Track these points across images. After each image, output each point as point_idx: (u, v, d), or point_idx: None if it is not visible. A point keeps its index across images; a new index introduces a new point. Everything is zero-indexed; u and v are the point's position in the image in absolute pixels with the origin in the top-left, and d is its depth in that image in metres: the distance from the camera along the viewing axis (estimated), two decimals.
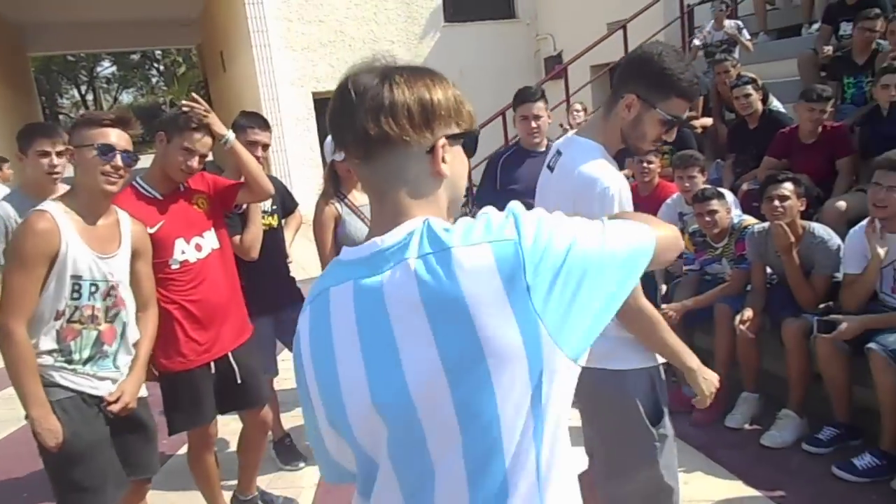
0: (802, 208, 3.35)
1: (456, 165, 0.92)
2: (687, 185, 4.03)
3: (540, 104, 3.41)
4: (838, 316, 3.05)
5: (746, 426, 3.47)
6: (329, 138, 3.17)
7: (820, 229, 3.34)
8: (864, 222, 3.14)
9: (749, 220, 3.69)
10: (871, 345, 2.90)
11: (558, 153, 1.80)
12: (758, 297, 3.47)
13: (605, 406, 1.81)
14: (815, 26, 6.55)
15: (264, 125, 3.12)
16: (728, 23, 6.80)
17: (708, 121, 5.80)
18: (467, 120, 0.92)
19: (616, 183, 1.64)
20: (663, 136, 1.71)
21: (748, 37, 6.69)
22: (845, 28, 5.41)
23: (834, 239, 3.30)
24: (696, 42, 7.09)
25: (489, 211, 0.88)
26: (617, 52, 8.04)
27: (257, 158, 2.92)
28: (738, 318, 3.40)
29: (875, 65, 4.63)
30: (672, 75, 1.63)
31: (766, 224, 3.46)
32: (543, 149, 3.45)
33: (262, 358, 2.99)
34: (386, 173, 0.88)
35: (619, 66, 1.79)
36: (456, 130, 0.91)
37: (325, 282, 0.92)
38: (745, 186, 4.45)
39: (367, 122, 0.84)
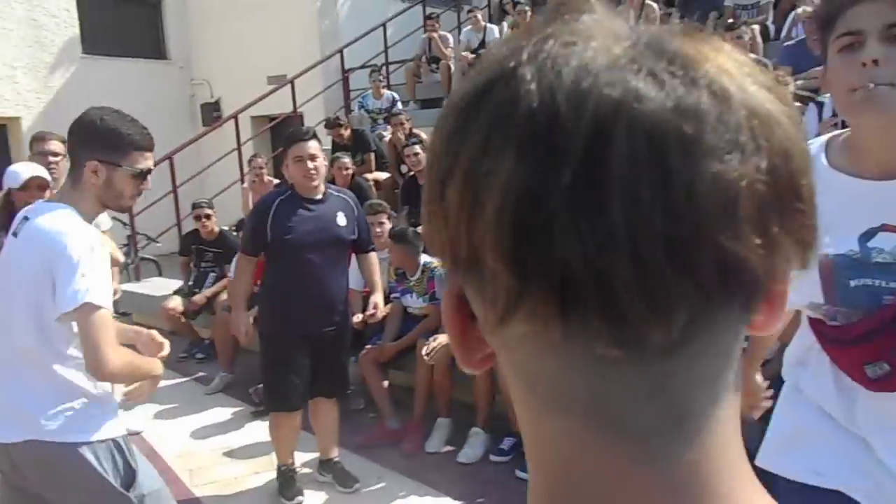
0: None
1: None
2: (377, 230, 4.38)
3: (314, 143, 3.13)
4: None
5: (444, 448, 3.85)
6: (13, 167, 2.68)
7: None
8: None
9: (436, 261, 4.18)
10: None
11: (25, 219, 1.78)
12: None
13: (68, 483, 1.77)
14: None
15: None
16: (385, 93, 7.63)
17: (381, 175, 6.37)
18: None
19: (83, 241, 1.69)
20: (142, 187, 1.85)
21: (401, 108, 7.56)
22: None
23: None
24: (356, 111, 7.86)
25: None
26: (283, 105, 8.29)
27: None
28: (424, 349, 3.80)
29: None
30: (122, 133, 1.78)
31: None
32: (321, 195, 3.19)
33: None
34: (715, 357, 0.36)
35: (70, 136, 1.83)
36: None
37: None
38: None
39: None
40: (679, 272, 0.29)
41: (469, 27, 8.31)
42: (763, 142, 0.31)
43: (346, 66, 9.02)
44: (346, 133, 6.53)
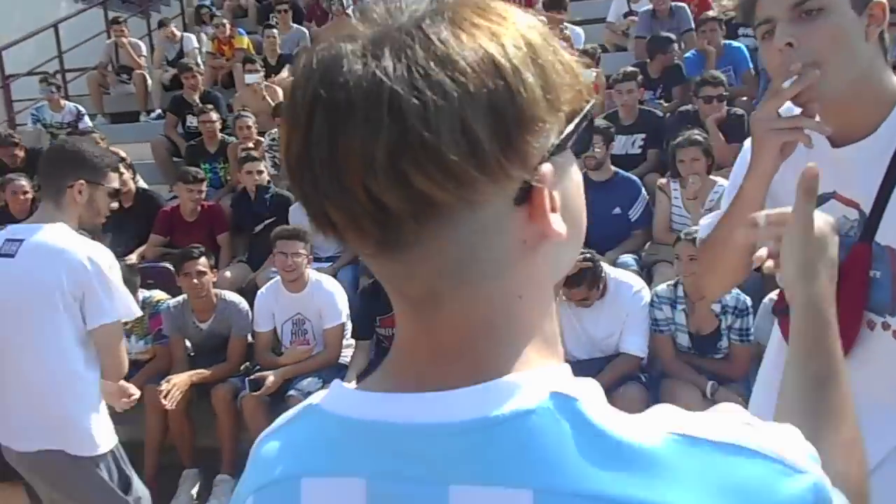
0: (215, 279, 3.57)
1: (572, 201, 0.48)
2: None
3: None
4: (265, 372, 3.37)
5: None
6: None
7: (231, 295, 3.63)
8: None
9: (160, 295, 3.67)
10: (291, 392, 3.33)
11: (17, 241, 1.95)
12: (181, 369, 3.48)
13: (78, 489, 2.02)
14: (154, 115, 7.02)
15: None
16: (67, 105, 6.59)
17: None
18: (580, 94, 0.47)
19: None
20: (112, 205, 2.14)
21: (89, 123, 6.57)
22: (191, 120, 6.02)
23: (243, 303, 3.64)
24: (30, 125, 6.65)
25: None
26: None
27: None
28: (161, 393, 3.32)
29: (227, 153, 5.34)
30: (100, 157, 2.06)
31: (180, 298, 3.54)
32: None
33: None
34: (448, 257, 0.44)
35: (48, 165, 2.08)
36: (562, 130, 0.46)
37: (285, 462, 0.49)
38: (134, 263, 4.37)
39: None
40: (345, 205, 0.42)
41: (163, 38, 7.61)
42: (395, 115, 0.40)
43: (7, 72, 7.59)
44: (21, 154, 5.48)
